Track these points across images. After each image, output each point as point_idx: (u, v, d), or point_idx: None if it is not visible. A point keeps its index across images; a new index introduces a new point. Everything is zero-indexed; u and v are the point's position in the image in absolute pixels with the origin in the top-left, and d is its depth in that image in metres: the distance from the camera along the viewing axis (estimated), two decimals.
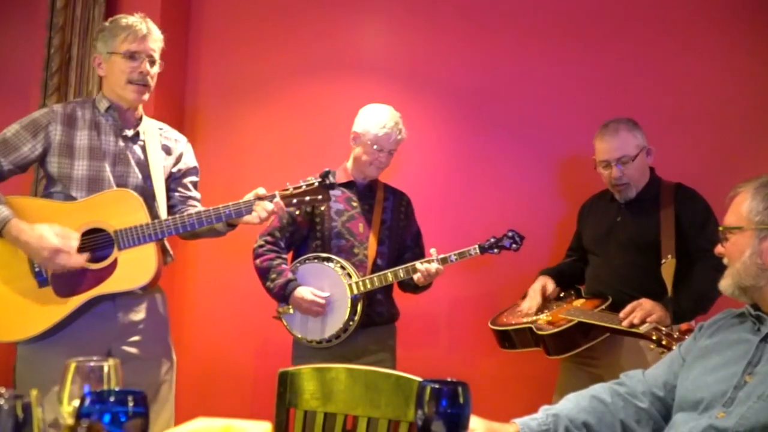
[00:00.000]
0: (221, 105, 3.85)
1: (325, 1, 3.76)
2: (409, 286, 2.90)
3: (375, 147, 2.81)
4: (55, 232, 2.18)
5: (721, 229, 1.67)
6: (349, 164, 2.93)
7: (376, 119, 2.84)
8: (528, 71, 3.52)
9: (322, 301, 2.72)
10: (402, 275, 2.76)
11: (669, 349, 2.16)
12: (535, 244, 3.38)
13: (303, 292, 2.72)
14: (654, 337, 2.23)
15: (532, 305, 2.79)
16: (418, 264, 2.75)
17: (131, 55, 2.35)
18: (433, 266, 2.74)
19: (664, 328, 2.26)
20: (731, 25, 3.32)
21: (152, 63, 2.41)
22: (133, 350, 2.36)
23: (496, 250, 2.85)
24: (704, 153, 3.29)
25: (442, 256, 2.77)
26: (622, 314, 2.48)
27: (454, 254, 2.79)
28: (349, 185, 2.89)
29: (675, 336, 2.18)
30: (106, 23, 2.41)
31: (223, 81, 3.86)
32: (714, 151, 3.29)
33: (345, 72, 3.71)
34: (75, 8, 3.67)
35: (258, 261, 2.81)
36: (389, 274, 2.75)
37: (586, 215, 2.98)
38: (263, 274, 2.80)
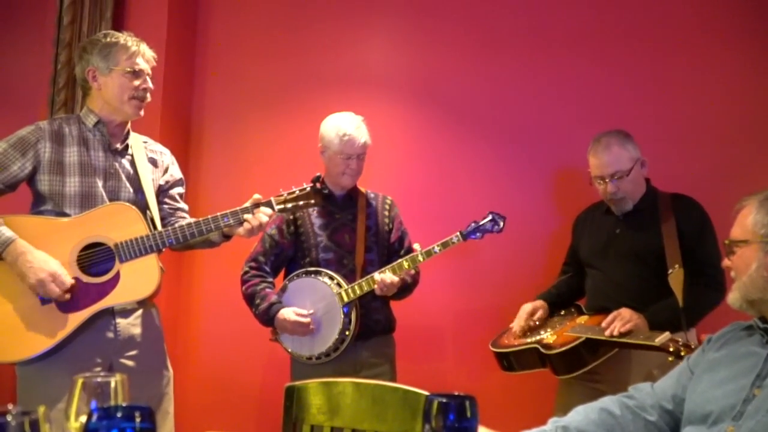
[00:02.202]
0: (227, 118, 3.87)
1: (330, 15, 3.78)
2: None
3: (342, 156, 2.82)
4: (57, 263, 2.22)
5: (727, 242, 1.66)
6: (325, 177, 2.90)
7: (336, 128, 2.84)
8: (527, 82, 3.53)
9: (307, 320, 2.70)
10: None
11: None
12: (543, 255, 3.39)
13: (285, 313, 2.71)
14: (671, 349, 2.19)
15: (518, 326, 2.79)
16: (376, 275, 2.74)
17: (136, 72, 2.40)
18: (388, 276, 2.72)
19: (680, 339, 2.23)
20: (731, 36, 3.31)
21: (150, 79, 2.47)
22: (132, 364, 2.36)
23: (478, 234, 2.85)
24: (704, 164, 3.28)
25: (425, 249, 2.77)
26: (603, 324, 2.49)
27: (437, 245, 2.79)
28: (328, 199, 2.87)
29: (693, 346, 2.14)
30: (101, 38, 2.42)
31: (230, 94, 3.88)
32: (715, 163, 3.28)
33: (350, 85, 3.72)
34: (81, 24, 3.70)
35: (243, 288, 2.82)
36: (376, 276, 2.73)
37: (581, 228, 2.96)
38: (249, 300, 2.80)
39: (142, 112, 2.46)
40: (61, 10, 3.72)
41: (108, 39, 2.41)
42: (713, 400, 1.54)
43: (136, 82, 2.40)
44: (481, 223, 2.86)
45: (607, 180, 2.68)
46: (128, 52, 2.39)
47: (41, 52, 3.84)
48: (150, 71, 2.47)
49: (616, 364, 2.57)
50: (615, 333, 2.43)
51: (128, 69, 2.38)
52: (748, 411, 1.47)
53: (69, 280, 2.23)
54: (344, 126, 2.84)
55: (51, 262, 2.21)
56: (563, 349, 2.52)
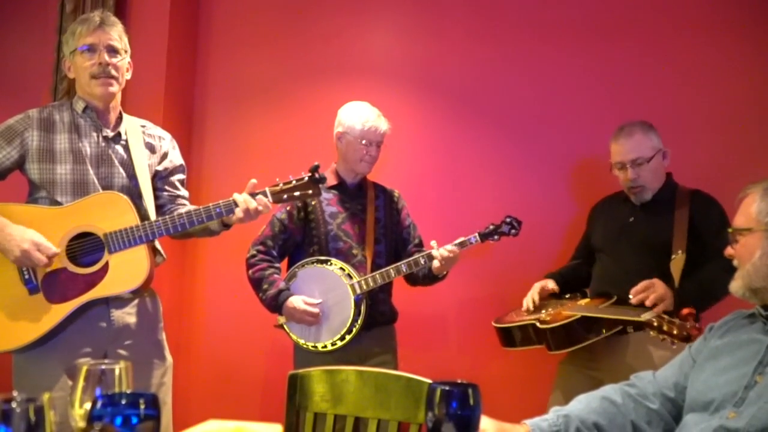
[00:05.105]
0: (229, 108, 3.86)
1: (331, 5, 3.76)
2: (426, 278, 2.89)
3: (363, 142, 2.83)
4: (36, 233, 2.18)
5: (730, 230, 1.66)
6: (338, 166, 2.93)
7: (359, 115, 2.86)
8: (537, 73, 3.51)
9: (315, 310, 2.71)
10: (404, 270, 2.76)
11: (670, 334, 2.14)
12: (544, 247, 3.39)
13: (295, 301, 2.71)
14: (655, 324, 2.20)
15: (530, 300, 2.80)
16: (434, 251, 2.75)
17: (89, 49, 2.31)
18: (448, 248, 2.74)
19: (666, 315, 2.23)
20: (748, 27, 3.28)
21: (113, 53, 2.34)
22: (126, 353, 2.31)
23: (496, 237, 2.86)
24: (719, 155, 3.26)
25: (443, 247, 2.76)
26: (632, 291, 2.47)
27: (455, 244, 2.78)
28: (339, 187, 2.90)
29: (676, 322, 2.16)
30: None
31: (232, 84, 3.87)
32: (729, 154, 3.25)
33: (352, 74, 3.71)
34: (84, 12, 3.67)
35: (250, 272, 2.80)
36: (391, 271, 2.75)
37: (598, 216, 2.97)
38: (256, 285, 2.79)
39: (114, 89, 2.35)
40: None
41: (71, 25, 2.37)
42: (715, 388, 1.54)
43: (93, 59, 2.31)
44: (500, 226, 2.87)
45: (627, 166, 2.70)
46: (80, 28, 2.32)
47: (44, 40, 3.83)
48: (111, 42, 2.33)
49: (614, 351, 2.58)
50: (648, 304, 2.42)
51: (80, 47, 2.31)
52: (749, 397, 1.47)
53: (53, 248, 2.19)
54: (366, 113, 2.87)
55: (29, 232, 2.17)
56: (557, 324, 2.54)
